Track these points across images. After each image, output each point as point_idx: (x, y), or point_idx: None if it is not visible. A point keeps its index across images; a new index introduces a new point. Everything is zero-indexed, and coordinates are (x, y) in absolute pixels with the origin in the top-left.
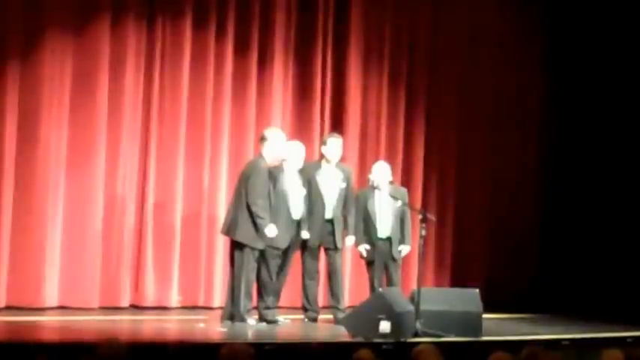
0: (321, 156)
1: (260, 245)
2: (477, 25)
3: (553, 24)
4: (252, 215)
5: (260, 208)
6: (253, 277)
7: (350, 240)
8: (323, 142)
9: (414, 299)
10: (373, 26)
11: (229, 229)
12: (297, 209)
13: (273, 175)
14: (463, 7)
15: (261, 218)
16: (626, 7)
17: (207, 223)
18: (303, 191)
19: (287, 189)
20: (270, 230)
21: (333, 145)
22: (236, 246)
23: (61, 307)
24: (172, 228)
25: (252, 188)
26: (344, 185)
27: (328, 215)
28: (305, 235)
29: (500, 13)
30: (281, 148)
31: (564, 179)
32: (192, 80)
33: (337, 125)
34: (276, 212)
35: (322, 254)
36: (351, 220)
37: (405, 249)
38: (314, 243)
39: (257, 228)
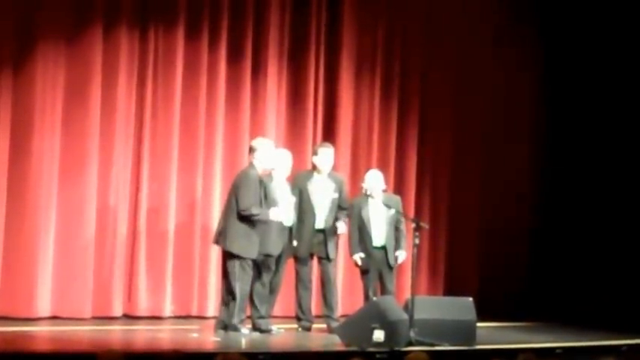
0: (313, 166)
1: (250, 255)
2: (470, 32)
3: (549, 28)
4: (244, 224)
5: (253, 208)
6: (247, 286)
7: (342, 227)
8: (314, 153)
9: (408, 308)
10: (366, 34)
11: (220, 239)
12: (288, 217)
13: (263, 183)
14: (457, 14)
15: (259, 214)
16: (621, 15)
17: (201, 232)
18: (293, 199)
19: (277, 197)
20: (275, 214)
21: (324, 155)
22: (228, 256)
23: (54, 317)
24: (165, 237)
25: (242, 196)
26: (336, 195)
27: (319, 225)
28: (294, 243)
29: (495, 18)
30: (271, 158)
31: (557, 188)
32: (186, 89)
33: (330, 133)
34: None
35: (316, 263)
36: (345, 221)
37: (400, 256)
38: (304, 253)
39: (249, 237)
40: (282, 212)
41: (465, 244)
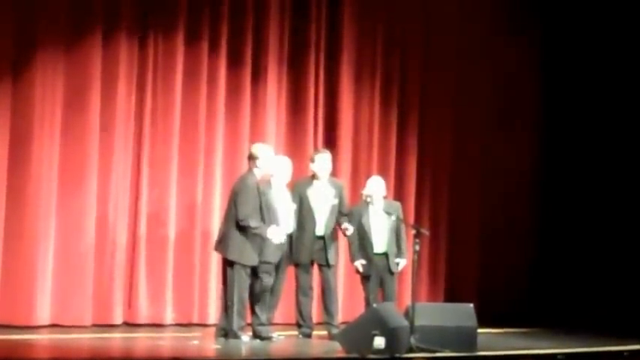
0: (313, 173)
1: (249, 262)
2: (469, 36)
3: (547, 34)
4: (243, 232)
5: (251, 220)
6: (246, 293)
7: (350, 228)
8: (311, 160)
9: (409, 314)
10: (365, 40)
11: (220, 247)
12: (287, 224)
13: (262, 190)
14: (456, 18)
15: (257, 227)
16: (621, 14)
17: (201, 239)
18: (293, 206)
19: (276, 204)
20: (273, 233)
21: (321, 161)
22: (228, 263)
23: (54, 325)
24: (165, 244)
25: (242, 204)
26: (336, 201)
27: (319, 232)
28: (294, 252)
29: (494, 23)
30: (271, 164)
31: (558, 193)
32: (185, 95)
33: (330, 139)
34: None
35: (316, 270)
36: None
37: (401, 262)
38: (304, 260)
39: (249, 244)
40: (280, 233)
41: (465, 250)
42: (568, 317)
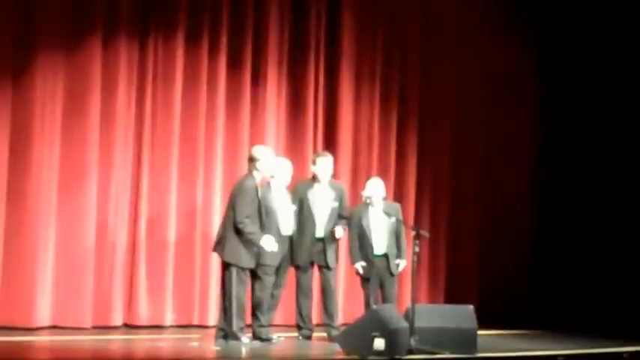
0: (313, 175)
1: (247, 264)
2: (469, 38)
3: (546, 35)
4: (240, 234)
5: (248, 224)
6: (244, 295)
7: (340, 231)
8: (312, 162)
9: (409, 316)
10: (365, 41)
11: (218, 248)
12: (287, 226)
13: (262, 193)
14: (455, 20)
15: (252, 233)
16: (620, 16)
17: (201, 241)
18: (293, 207)
19: (275, 206)
20: (267, 242)
21: (323, 164)
22: (225, 265)
23: (54, 327)
24: (166, 246)
25: (239, 207)
26: (336, 204)
27: (319, 234)
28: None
29: (493, 23)
30: (271, 167)
31: (558, 194)
32: (185, 98)
33: (330, 141)
34: (265, 230)
35: (316, 272)
36: (343, 227)
37: (401, 263)
38: (304, 261)
39: (246, 247)
40: (273, 243)
41: (465, 251)
42: (568, 319)
